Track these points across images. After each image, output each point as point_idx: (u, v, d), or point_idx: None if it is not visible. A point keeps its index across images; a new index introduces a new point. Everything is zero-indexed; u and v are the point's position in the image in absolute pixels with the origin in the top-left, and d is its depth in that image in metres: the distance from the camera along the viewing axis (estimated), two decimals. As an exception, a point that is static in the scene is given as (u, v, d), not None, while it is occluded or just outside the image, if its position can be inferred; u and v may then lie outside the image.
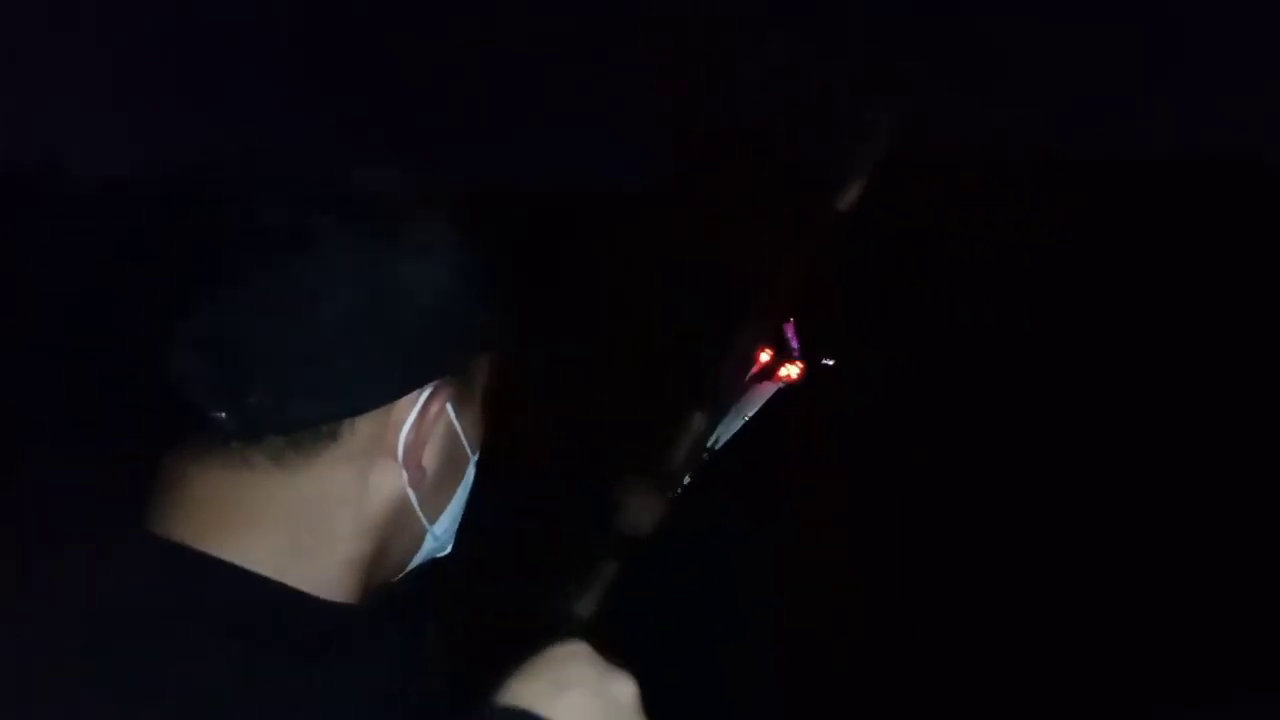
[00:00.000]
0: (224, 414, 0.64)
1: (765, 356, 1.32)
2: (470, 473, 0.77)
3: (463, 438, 0.74)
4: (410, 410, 0.69)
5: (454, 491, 0.75)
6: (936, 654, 2.85)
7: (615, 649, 0.69)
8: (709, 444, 1.31)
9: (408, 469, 0.69)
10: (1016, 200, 4.02)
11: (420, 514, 0.72)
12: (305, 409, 0.65)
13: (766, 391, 1.29)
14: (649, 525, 1.28)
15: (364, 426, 0.67)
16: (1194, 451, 3.48)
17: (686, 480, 1.32)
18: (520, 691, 0.63)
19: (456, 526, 0.78)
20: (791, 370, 1.29)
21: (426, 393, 0.69)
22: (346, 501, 0.68)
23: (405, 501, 0.71)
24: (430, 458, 0.71)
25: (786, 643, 2.61)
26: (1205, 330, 3.81)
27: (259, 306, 0.64)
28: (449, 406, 0.71)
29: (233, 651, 0.59)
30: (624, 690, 0.66)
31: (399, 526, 0.71)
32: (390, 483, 0.69)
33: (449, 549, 0.79)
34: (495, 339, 0.74)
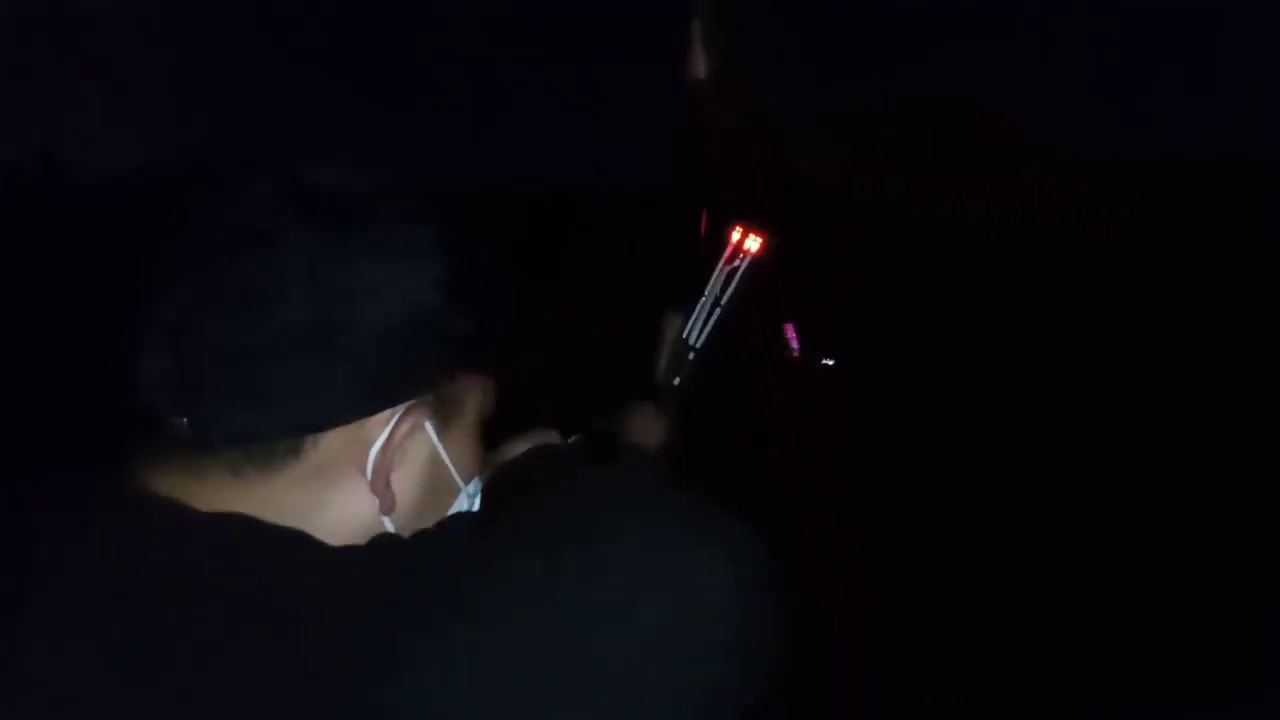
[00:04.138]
0: (184, 420, 0.61)
1: (731, 235, 1.29)
2: (460, 503, 0.71)
3: (449, 465, 0.69)
4: (382, 430, 0.64)
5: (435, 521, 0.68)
6: (936, 652, 2.85)
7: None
8: (690, 342, 1.27)
9: (376, 493, 0.64)
10: (1017, 200, 4.02)
11: None
12: (257, 422, 0.61)
13: (731, 270, 1.26)
14: (656, 442, 1.25)
15: (331, 444, 0.63)
16: (1194, 450, 3.47)
17: (677, 383, 1.29)
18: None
19: None
20: (752, 243, 1.25)
21: (399, 412, 0.64)
22: (310, 521, 0.62)
23: (377, 528, 0.65)
24: (404, 483, 0.66)
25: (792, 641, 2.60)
26: (1205, 329, 3.81)
27: (214, 308, 0.60)
28: (430, 429, 0.67)
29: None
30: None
31: None
32: (359, 507, 0.64)
33: None
34: (480, 358, 0.69)
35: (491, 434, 0.74)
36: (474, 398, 0.70)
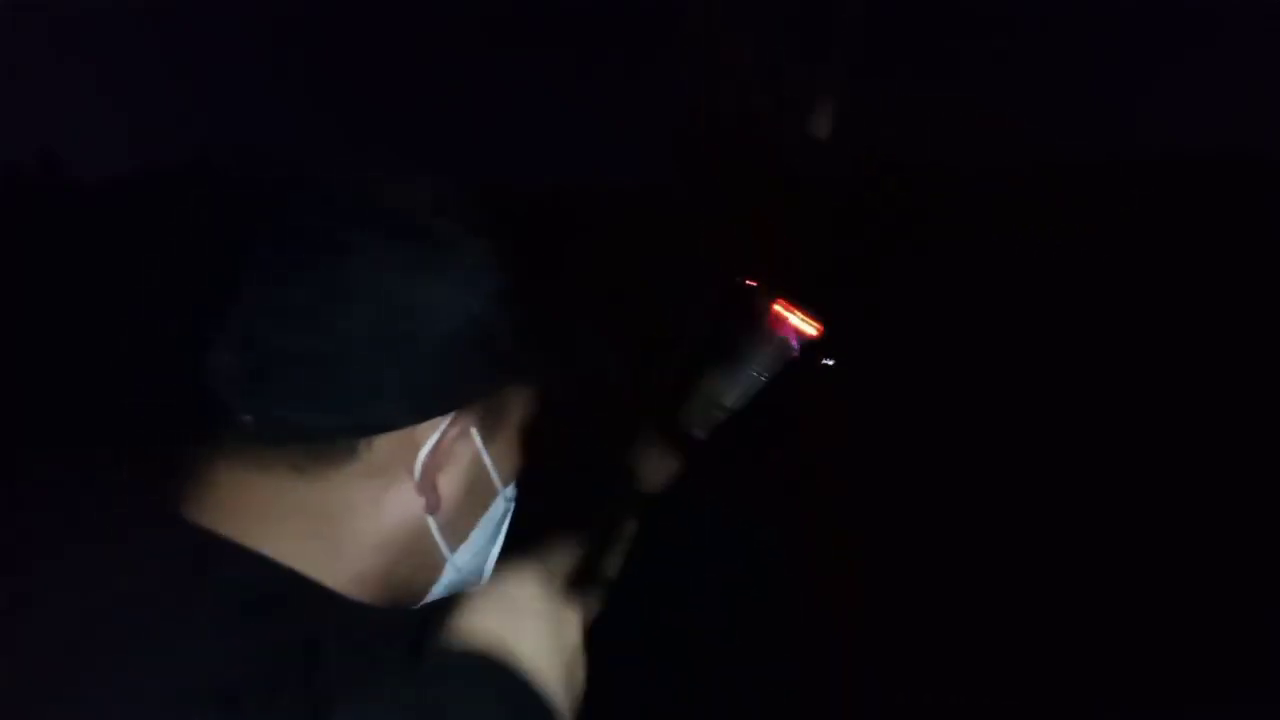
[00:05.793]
0: (250, 416, 0.64)
1: (785, 316, 1.32)
2: (500, 506, 0.74)
3: (490, 469, 0.72)
4: (431, 434, 0.67)
5: (476, 522, 0.73)
6: (936, 652, 2.85)
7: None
8: (725, 403, 1.31)
9: (423, 494, 0.68)
10: (1017, 200, 4.02)
11: (439, 541, 0.70)
12: (322, 421, 0.64)
13: (786, 350, 1.29)
14: (663, 483, 1.29)
15: (384, 446, 0.66)
16: (1193, 450, 3.47)
17: (701, 438, 1.32)
18: (476, 621, 0.63)
19: (487, 561, 0.76)
20: (809, 328, 1.28)
21: (449, 418, 0.68)
22: (361, 517, 0.67)
23: (422, 526, 0.69)
24: (449, 485, 0.69)
25: (794, 639, 2.61)
26: (1205, 329, 3.81)
27: (290, 313, 0.64)
28: (475, 435, 0.70)
29: (245, 631, 0.59)
30: (572, 620, 0.67)
31: (415, 550, 0.70)
32: (406, 505, 0.68)
33: (483, 584, 0.77)
34: (528, 371, 0.73)
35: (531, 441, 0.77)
36: (518, 406, 0.73)
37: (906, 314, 3.87)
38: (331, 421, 0.64)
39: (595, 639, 0.70)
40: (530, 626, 0.63)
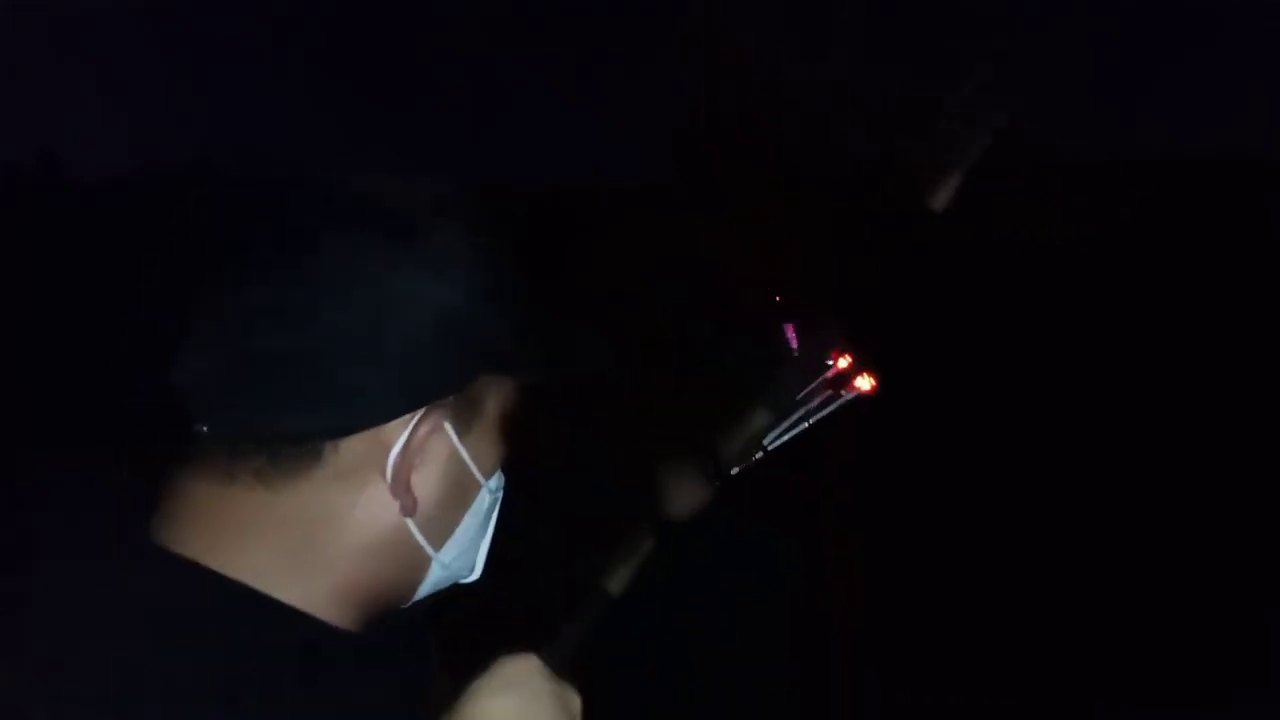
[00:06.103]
0: (205, 427, 0.62)
1: (842, 364, 1.32)
2: (484, 499, 0.72)
3: (469, 463, 0.70)
4: (401, 433, 0.65)
5: (460, 519, 0.71)
6: (937, 652, 2.85)
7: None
8: (765, 442, 1.31)
9: (396, 495, 0.66)
10: (1017, 200, 4.01)
11: (421, 541, 0.68)
12: (283, 426, 0.62)
13: (835, 400, 1.30)
14: (689, 511, 1.29)
15: (352, 448, 0.64)
16: (1193, 450, 3.47)
17: (734, 473, 1.32)
18: (492, 707, 0.62)
19: (477, 554, 0.75)
20: (864, 382, 1.29)
21: (418, 415, 0.66)
22: (335, 524, 0.65)
23: (401, 528, 0.67)
24: (424, 483, 0.67)
25: (802, 646, 2.60)
26: (1204, 330, 3.81)
27: (248, 315, 0.62)
28: (450, 430, 0.68)
29: (211, 660, 0.57)
30: (576, 704, 0.66)
31: (397, 553, 0.68)
32: (381, 508, 0.66)
33: (475, 575, 0.76)
34: (505, 362, 0.70)
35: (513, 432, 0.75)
36: (495, 396, 0.71)
37: (904, 313, 3.86)
38: (293, 426, 0.62)
39: (605, 644, 0.70)
40: (540, 707, 0.63)
